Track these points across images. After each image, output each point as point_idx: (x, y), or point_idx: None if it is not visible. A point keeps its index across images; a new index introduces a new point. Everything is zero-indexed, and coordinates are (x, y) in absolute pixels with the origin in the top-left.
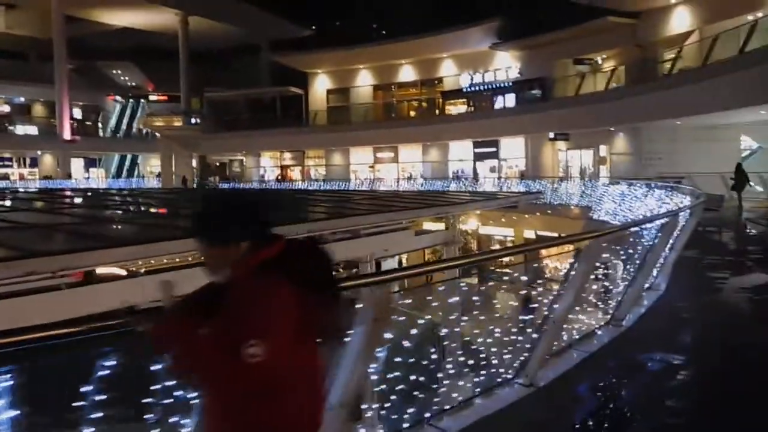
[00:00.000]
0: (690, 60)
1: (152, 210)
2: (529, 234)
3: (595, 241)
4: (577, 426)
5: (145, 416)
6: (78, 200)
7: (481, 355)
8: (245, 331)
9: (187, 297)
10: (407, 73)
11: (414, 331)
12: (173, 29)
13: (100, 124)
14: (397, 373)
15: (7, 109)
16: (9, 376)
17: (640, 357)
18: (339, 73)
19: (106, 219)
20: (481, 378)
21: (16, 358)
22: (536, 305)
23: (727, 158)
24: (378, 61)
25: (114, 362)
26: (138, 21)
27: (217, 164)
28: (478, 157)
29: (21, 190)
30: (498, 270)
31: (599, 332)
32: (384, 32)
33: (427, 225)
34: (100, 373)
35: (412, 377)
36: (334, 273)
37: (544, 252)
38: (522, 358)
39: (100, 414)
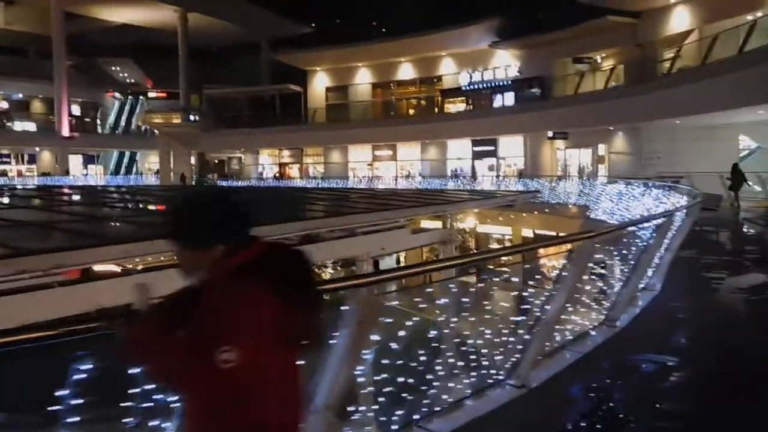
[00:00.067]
0: (689, 59)
1: (150, 207)
2: (527, 233)
3: (587, 241)
4: (569, 427)
5: (124, 420)
6: (74, 197)
7: (471, 357)
8: (218, 336)
9: (163, 300)
10: (406, 71)
11: (402, 333)
12: (172, 26)
13: (98, 121)
14: (385, 375)
15: (5, 105)
16: None
17: (634, 358)
18: (338, 70)
19: (102, 216)
20: (473, 379)
21: None
22: (528, 306)
23: (726, 158)
24: (377, 59)
25: (90, 366)
26: (137, 17)
27: (216, 161)
28: (477, 156)
29: (19, 186)
30: (494, 269)
31: (593, 333)
32: (384, 30)
33: (426, 223)
34: (76, 376)
35: (401, 379)
36: (313, 277)
37: (538, 252)
38: (514, 358)
39: (77, 419)
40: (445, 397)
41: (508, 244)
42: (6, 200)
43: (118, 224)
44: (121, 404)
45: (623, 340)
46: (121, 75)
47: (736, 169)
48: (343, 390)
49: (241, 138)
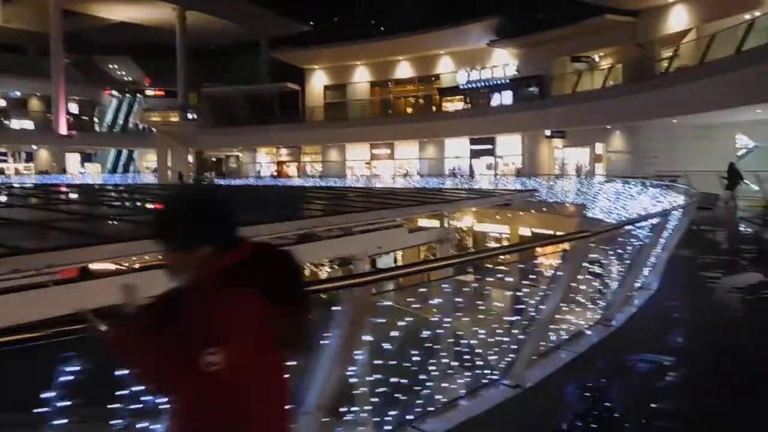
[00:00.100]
0: (688, 59)
1: (146, 206)
2: (525, 231)
3: (582, 241)
4: (564, 427)
5: (111, 422)
6: (71, 196)
7: (465, 357)
8: (204, 338)
9: (150, 301)
10: (404, 69)
11: (396, 333)
12: (171, 24)
13: (96, 119)
14: (379, 375)
15: (3, 103)
16: None
17: (630, 357)
18: (336, 69)
19: (98, 215)
20: (467, 379)
21: None
22: (523, 306)
23: (724, 157)
24: (375, 57)
25: (77, 368)
26: (136, 16)
27: (214, 160)
28: (475, 155)
29: (16, 185)
30: (490, 268)
31: (589, 332)
32: (382, 29)
33: (423, 222)
34: (62, 378)
35: (394, 379)
36: (301, 278)
37: (534, 251)
38: (509, 358)
39: (64, 421)
40: (439, 397)
41: (505, 242)
42: (3, 199)
43: (114, 223)
44: (109, 406)
45: (619, 340)
46: (119, 73)
47: (732, 169)
48: (335, 390)
49: (238, 136)
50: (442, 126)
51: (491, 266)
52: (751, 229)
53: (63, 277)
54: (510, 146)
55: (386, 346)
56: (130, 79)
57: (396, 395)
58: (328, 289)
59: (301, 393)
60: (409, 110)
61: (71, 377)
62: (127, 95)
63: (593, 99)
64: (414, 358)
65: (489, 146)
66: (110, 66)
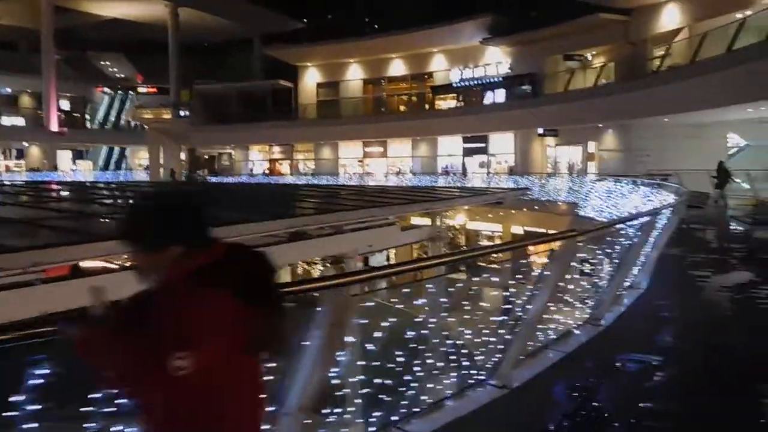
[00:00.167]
0: (680, 57)
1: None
2: (517, 230)
3: (569, 241)
4: (551, 428)
5: (85, 425)
6: (61, 194)
7: (452, 357)
8: (172, 341)
9: (120, 304)
10: (397, 67)
11: (379, 334)
12: (163, 21)
13: (87, 116)
14: (362, 377)
15: None
16: None
17: (619, 357)
18: (329, 66)
19: (88, 213)
20: (453, 379)
21: None
22: (509, 306)
23: (715, 156)
24: (368, 55)
25: (47, 370)
26: (128, 12)
27: (206, 157)
28: (468, 153)
29: (6, 182)
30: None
31: (577, 332)
32: (376, 26)
33: (416, 220)
34: (32, 381)
35: (378, 380)
36: (275, 280)
37: (521, 250)
38: (496, 358)
39: (35, 425)
40: (424, 397)
41: (498, 241)
42: None
43: (105, 221)
44: (82, 409)
45: (608, 339)
46: (111, 70)
47: (721, 167)
48: (316, 392)
49: (231, 134)
50: (435, 124)
51: (479, 265)
52: (741, 228)
53: (50, 276)
54: (503, 144)
55: (370, 347)
56: (123, 75)
57: (381, 396)
58: (308, 290)
59: (282, 394)
60: (402, 108)
61: (41, 380)
62: (120, 92)
63: (585, 97)
64: (399, 359)
65: (482, 144)
66: (102, 63)
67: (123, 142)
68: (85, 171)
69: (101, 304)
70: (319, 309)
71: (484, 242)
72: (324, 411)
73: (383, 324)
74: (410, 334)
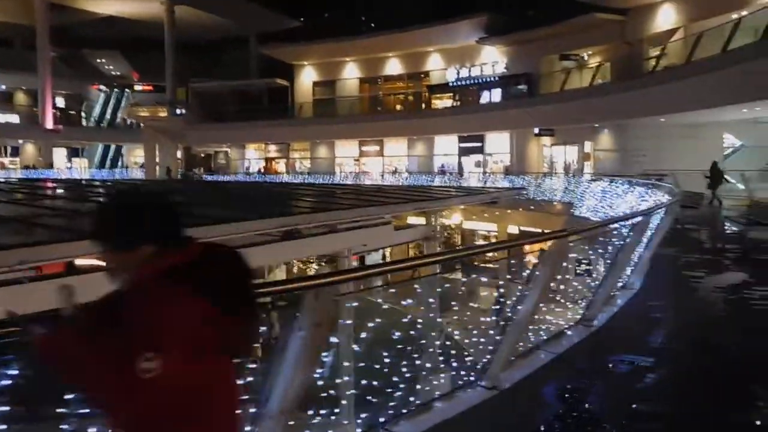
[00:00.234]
0: (675, 57)
1: None
2: (513, 229)
3: (560, 240)
4: (542, 429)
5: (62, 426)
6: (56, 191)
7: (441, 357)
8: (139, 343)
9: (90, 304)
10: (394, 66)
11: (365, 335)
12: (159, 18)
13: (83, 114)
14: (347, 378)
15: None
16: None
17: (611, 358)
18: (325, 65)
19: (82, 211)
20: (442, 380)
21: None
22: (498, 307)
23: (711, 156)
24: (365, 54)
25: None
26: (124, 9)
27: (202, 156)
28: (464, 152)
29: (1, 180)
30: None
31: (569, 333)
32: (372, 25)
33: (413, 220)
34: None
35: (364, 381)
36: (250, 281)
37: (511, 250)
38: (486, 359)
39: (3, 427)
40: (412, 398)
41: (493, 240)
42: None
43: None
44: (57, 410)
45: (600, 340)
46: (107, 67)
47: (715, 168)
48: (299, 394)
49: (227, 132)
50: (431, 123)
51: (471, 264)
52: (735, 228)
53: (39, 274)
54: (499, 144)
55: (356, 348)
56: (118, 73)
57: (368, 397)
58: (288, 290)
59: (264, 396)
60: (399, 107)
61: (9, 381)
62: (115, 90)
63: (581, 97)
64: (386, 360)
65: (478, 144)
66: (98, 60)
67: (119, 140)
68: (80, 169)
69: (70, 305)
70: (301, 309)
71: (480, 242)
72: (309, 412)
73: (370, 324)
74: (397, 335)
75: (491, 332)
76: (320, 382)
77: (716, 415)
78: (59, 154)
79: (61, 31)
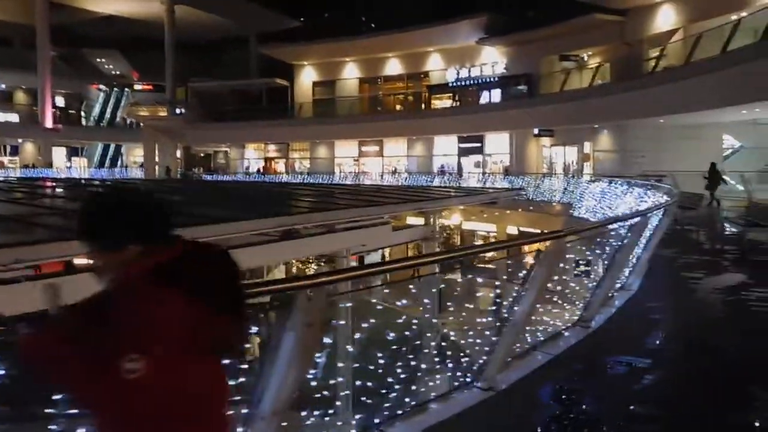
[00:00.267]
0: (675, 58)
1: None
2: (512, 230)
3: (557, 241)
4: (538, 431)
5: (50, 426)
6: (55, 191)
7: (437, 358)
8: (124, 344)
9: (77, 304)
10: (394, 66)
11: (358, 336)
12: (159, 18)
13: (83, 113)
14: (341, 379)
15: None
16: None
17: (608, 359)
18: (325, 65)
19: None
20: (438, 381)
21: None
22: (494, 307)
23: (710, 157)
24: (365, 54)
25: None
26: (124, 9)
27: (202, 155)
28: (463, 152)
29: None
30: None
31: (566, 334)
32: (372, 25)
33: (412, 220)
34: None
35: (359, 382)
36: (239, 281)
37: (509, 250)
38: (482, 360)
39: None
40: (408, 399)
41: (492, 241)
42: None
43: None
44: (44, 410)
45: (597, 341)
46: (106, 67)
47: (713, 169)
48: (291, 396)
49: (227, 132)
50: (431, 123)
51: (467, 265)
52: (734, 229)
53: (37, 273)
54: (498, 144)
55: (350, 349)
56: (118, 73)
57: (362, 398)
58: (281, 290)
59: (256, 397)
60: (398, 107)
61: None
62: (115, 89)
63: (581, 98)
64: (381, 360)
65: (477, 144)
66: (98, 60)
67: (118, 139)
68: (80, 168)
69: (56, 305)
70: (293, 309)
71: (479, 242)
72: (303, 413)
73: (364, 325)
74: (393, 335)
75: (488, 333)
76: (314, 383)
77: (714, 417)
78: (59, 154)
79: (61, 31)
